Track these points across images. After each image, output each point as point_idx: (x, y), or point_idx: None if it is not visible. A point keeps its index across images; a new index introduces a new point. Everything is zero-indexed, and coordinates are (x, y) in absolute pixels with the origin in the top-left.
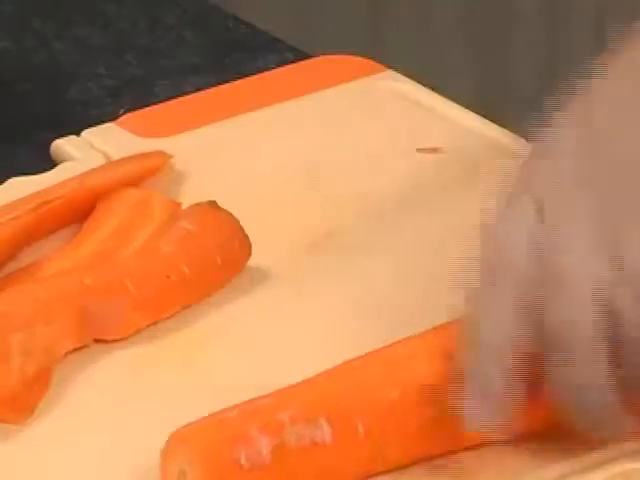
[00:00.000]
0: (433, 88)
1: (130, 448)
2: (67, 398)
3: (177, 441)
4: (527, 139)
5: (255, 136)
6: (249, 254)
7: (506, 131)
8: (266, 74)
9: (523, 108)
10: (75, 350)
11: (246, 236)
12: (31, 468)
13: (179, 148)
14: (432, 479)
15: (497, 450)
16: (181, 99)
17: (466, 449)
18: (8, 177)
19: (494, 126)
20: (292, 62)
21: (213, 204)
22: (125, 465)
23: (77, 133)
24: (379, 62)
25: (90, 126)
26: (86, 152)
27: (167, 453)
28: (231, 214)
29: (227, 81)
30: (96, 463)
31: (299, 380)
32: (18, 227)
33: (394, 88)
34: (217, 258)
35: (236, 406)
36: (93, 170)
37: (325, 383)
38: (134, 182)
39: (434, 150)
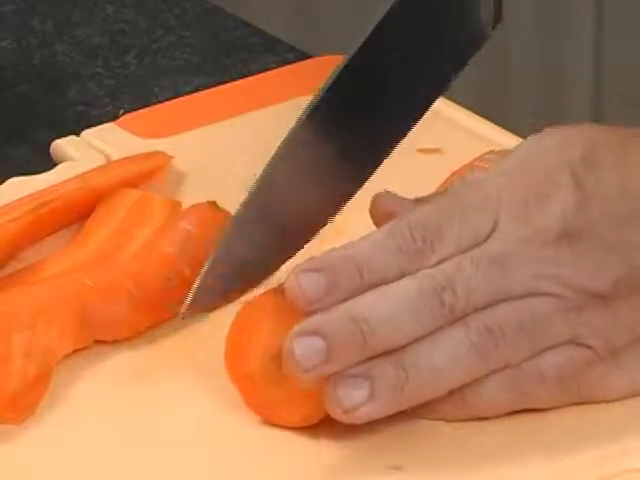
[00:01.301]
0: None
1: (130, 449)
2: (67, 399)
3: None
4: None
5: (255, 137)
6: None
7: (506, 132)
8: (266, 74)
9: (523, 108)
10: (75, 351)
11: None
12: (31, 469)
13: (179, 148)
14: None
15: (498, 447)
16: (181, 99)
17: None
18: (8, 177)
19: (494, 126)
20: (292, 62)
21: (213, 205)
22: (125, 466)
23: (77, 133)
24: None
25: (90, 126)
26: (86, 152)
27: None
28: (231, 215)
29: (227, 81)
30: (96, 464)
31: None
32: (18, 227)
33: None
34: None
35: None
36: (93, 170)
37: None
38: (134, 183)
39: (435, 150)
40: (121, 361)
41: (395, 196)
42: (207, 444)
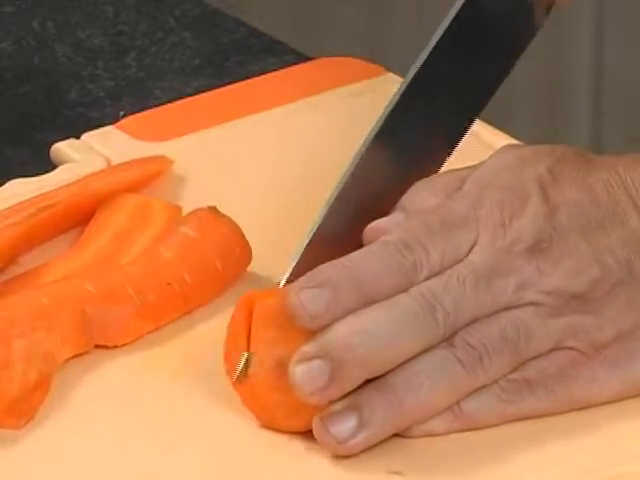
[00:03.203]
0: None
1: (130, 454)
2: (67, 403)
3: None
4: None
5: (256, 139)
6: (249, 260)
7: (506, 135)
8: (266, 77)
9: (523, 112)
10: (76, 356)
11: (246, 242)
12: (31, 473)
13: (179, 152)
14: None
15: (494, 451)
16: (181, 102)
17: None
18: (8, 178)
19: (495, 130)
20: (292, 64)
21: (214, 210)
22: (125, 471)
23: (77, 135)
24: (379, 64)
25: (90, 128)
26: (86, 155)
27: None
28: (231, 220)
29: (227, 84)
30: (96, 468)
31: None
32: (18, 232)
33: (394, 91)
34: (217, 264)
35: None
36: (93, 175)
37: None
38: (135, 187)
39: None
40: (121, 366)
41: (383, 222)
42: (208, 448)
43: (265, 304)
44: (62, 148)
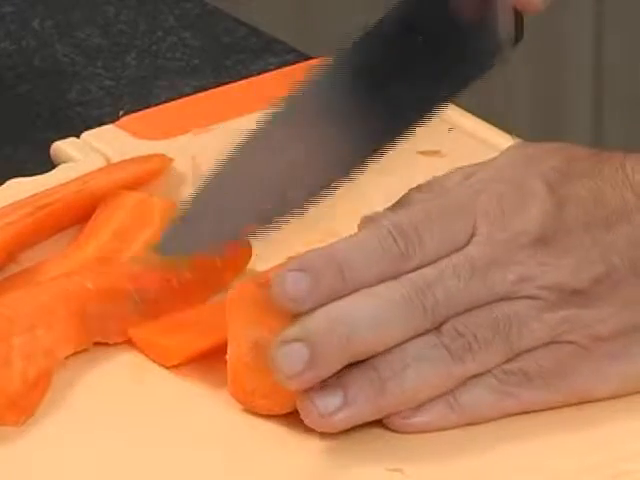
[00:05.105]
0: None
1: (130, 452)
2: (67, 401)
3: None
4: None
5: None
6: (249, 258)
7: (507, 135)
8: (266, 76)
9: (523, 112)
10: (75, 353)
11: (246, 240)
12: (31, 471)
13: (179, 150)
14: None
15: (494, 447)
16: (181, 101)
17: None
18: (8, 178)
19: (495, 130)
20: (292, 64)
21: None
22: (124, 469)
23: (77, 134)
24: None
25: (90, 127)
26: (86, 154)
27: None
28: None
29: (227, 83)
30: (95, 466)
31: None
32: (18, 230)
33: None
34: (217, 262)
35: None
36: (93, 173)
37: None
38: (134, 185)
39: (435, 153)
40: (121, 363)
41: (379, 214)
42: (210, 445)
43: (241, 286)
44: (62, 147)
